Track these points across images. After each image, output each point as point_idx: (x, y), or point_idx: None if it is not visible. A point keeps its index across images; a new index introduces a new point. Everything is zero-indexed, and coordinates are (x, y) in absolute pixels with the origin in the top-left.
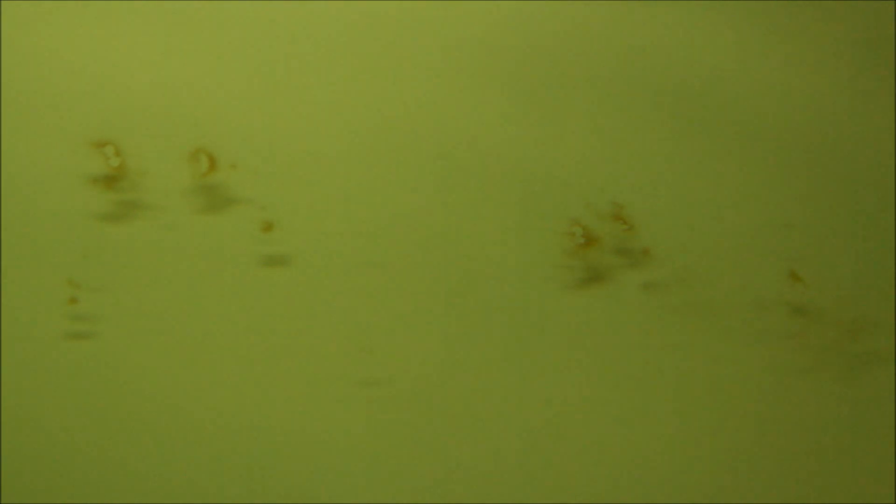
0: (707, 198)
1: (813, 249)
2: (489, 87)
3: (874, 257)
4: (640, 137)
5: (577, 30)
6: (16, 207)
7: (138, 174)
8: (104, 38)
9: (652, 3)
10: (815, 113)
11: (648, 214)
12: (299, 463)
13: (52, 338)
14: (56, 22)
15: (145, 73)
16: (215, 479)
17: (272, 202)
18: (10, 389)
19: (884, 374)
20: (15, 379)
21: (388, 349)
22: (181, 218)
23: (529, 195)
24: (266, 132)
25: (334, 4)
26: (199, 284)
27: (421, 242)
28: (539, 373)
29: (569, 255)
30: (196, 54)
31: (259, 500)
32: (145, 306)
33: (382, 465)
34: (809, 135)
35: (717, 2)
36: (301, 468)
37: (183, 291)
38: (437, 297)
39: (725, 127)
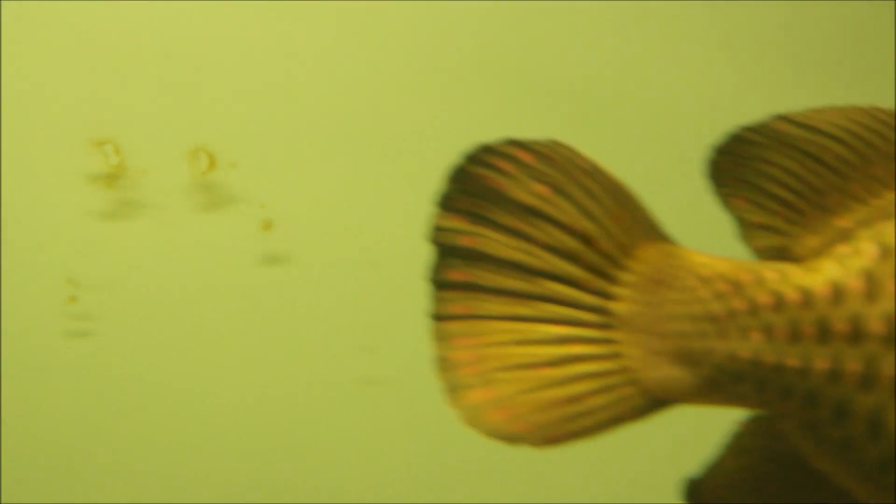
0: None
1: None
2: (489, 86)
3: None
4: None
5: (578, 28)
6: (16, 206)
7: (138, 172)
8: (104, 37)
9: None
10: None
11: None
12: (300, 462)
13: (52, 337)
14: (56, 21)
15: (146, 70)
16: (216, 478)
17: (272, 201)
18: (11, 389)
19: None
20: (15, 378)
21: (390, 348)
22: (180, 216)
23: None
24: (266, 131)
25: (332, 5)
26: (199, 283)
27: (421, 242)
28: None
29: None
30: (195, 53)
31: (259, 500)
32: (145, 305)
33: (384, 464)
34: None
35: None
36: (302, 467)
37: (182, 290)
38: None
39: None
